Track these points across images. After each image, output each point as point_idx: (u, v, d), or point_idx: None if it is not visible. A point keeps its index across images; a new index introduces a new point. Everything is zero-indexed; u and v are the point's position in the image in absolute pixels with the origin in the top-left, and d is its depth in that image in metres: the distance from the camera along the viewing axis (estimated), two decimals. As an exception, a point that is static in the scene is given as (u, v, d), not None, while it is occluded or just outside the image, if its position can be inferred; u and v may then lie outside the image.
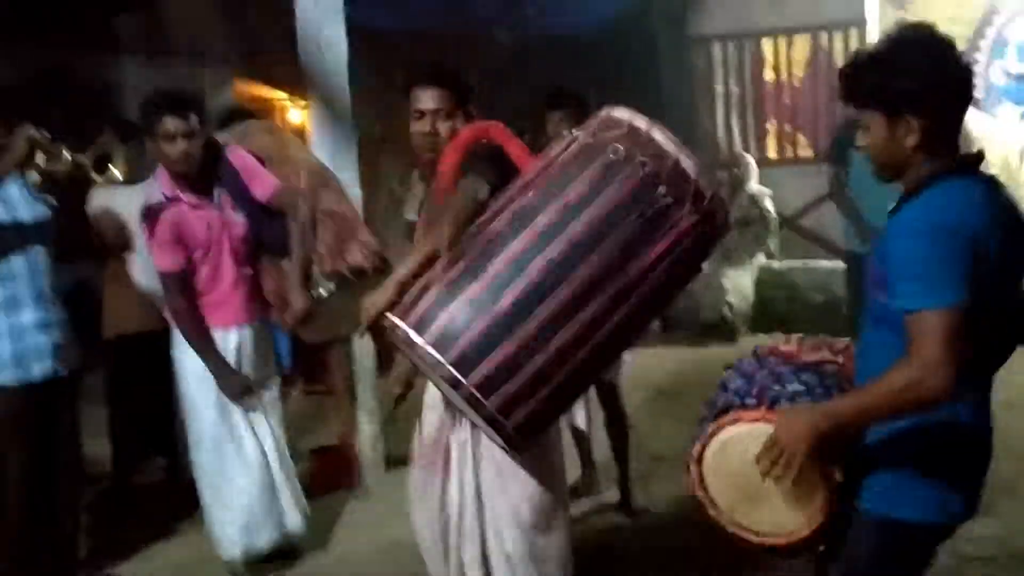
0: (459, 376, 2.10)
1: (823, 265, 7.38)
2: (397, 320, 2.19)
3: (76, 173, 3.32)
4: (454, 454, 2.62)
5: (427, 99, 2.62)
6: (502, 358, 2.11)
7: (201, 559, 3.74)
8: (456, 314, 2.12)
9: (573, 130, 2.44)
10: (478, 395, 2.11)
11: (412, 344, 2.14)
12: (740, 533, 2.08)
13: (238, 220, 3.45)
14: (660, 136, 2.29)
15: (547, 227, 2.16)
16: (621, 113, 2.35)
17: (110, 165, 3.49)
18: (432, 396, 2.68)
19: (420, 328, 2.14)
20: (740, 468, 1.99)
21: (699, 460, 2.08)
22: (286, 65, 10.72)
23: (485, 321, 2.11)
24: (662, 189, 2.22)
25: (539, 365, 2.14)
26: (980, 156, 1.96)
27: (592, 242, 2.16)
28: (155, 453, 4.62)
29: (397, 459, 4.55)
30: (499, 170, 2.42)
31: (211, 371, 3.40)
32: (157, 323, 4.21)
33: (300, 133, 10.65)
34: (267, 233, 3.50)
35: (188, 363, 3.47)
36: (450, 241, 2.20)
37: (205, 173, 3.40)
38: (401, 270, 2.29)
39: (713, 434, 2.07)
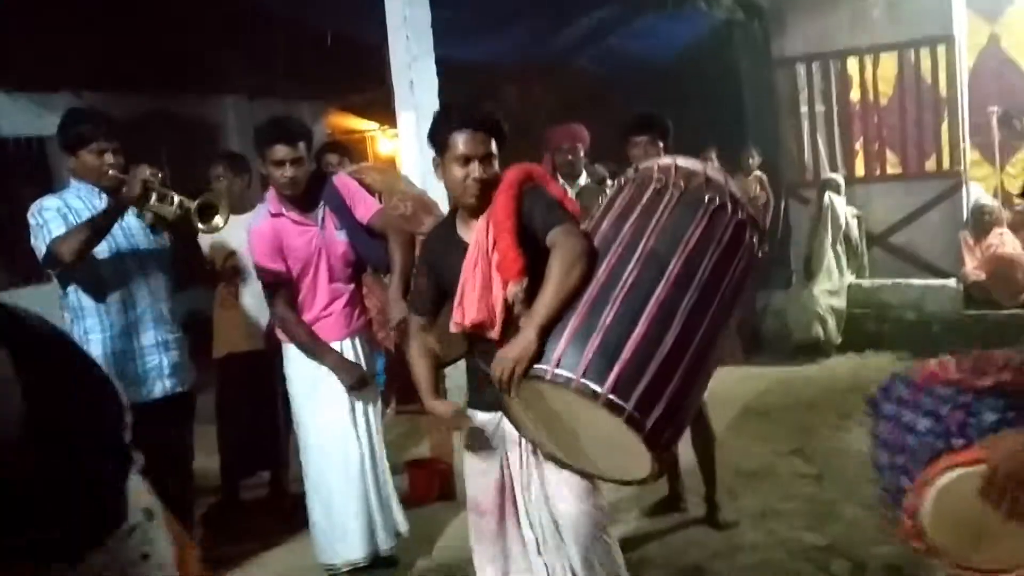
0: (621, 402, 2.27)
1: (914, 283, 7.28)
2: (550, 368, 2.31)
3: (183, 216, 3.50)
4: (520, 503, 2.76)
5: (475, 144, 2.61)
6: (648, 382, 2.30)
7: (304, 568, 3.91)
8: (597, 348, 2.31)
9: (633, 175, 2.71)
10: (638, 416, 2.27)
11: (563, 382, 2.30)
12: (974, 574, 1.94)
13: (339, 239, 3.66)
14: (715, 174, 2.67)
15: (664, 268, 2.45)
16: (686, 161, 2.70)
17: (217, 215, 3.71)
18: (475, 464, 2.82)
19: (567, 366, 2.31)
20: (968, 513, 1.83)
21: (913, 515, 1.90)
22: (376, 98, 11.12)
23: (629, 351, 2.30)
24: (732, 215, 2.58)
25: (677, 386, 2.33)
26: None
27: (692, 270, 2.46)
28: (260, 468, 4.83)
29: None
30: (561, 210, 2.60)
31: (329, 365, 3.56)
32: (262, 344, 4.50)
33: (390, 161, 11.03)
34: (370, 253, 3.70)
35: (294, 374, 3.68)
36: (578, 284, 2.38)
37: (311, 195, 3.62)
38: (537, 319, 2.36)
39: (926, 484, 1.88)
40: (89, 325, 3.43)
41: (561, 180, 4.61)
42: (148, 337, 3.50)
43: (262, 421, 4.66)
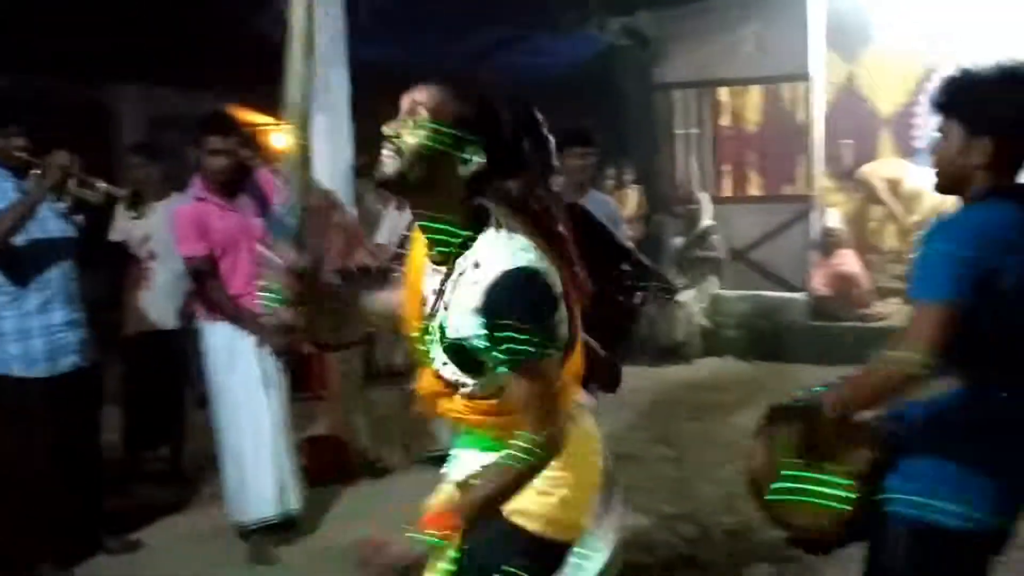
0: None
1: (769, 295, 8.05)
2: None
3: (109, 202, 3.78)
4: None
5: None
6: None
7: (216, 527, 4.20)
8: None
9: None
10: None
11: None
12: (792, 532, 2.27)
13: (257, 224, 3.95)
14: None
15: None
16: None
17: (140, 203, 4.03)
18: None
19: None
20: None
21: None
22: (274, 94, 11.22)
23: None
24: None
25: None
26: None
27: None
28: (163, 442, 5.07)
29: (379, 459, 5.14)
30: None
31: (252, 329, 3.82)
32: (172, 323, 4.79)
33: (284, 156, 11.19)
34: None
35: (214, 349, 3.98)
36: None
37: (234, 184, 3.96)
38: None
39: (768, 429, 2.28)
40: (2, 303, 3.64)
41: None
42: (58, 316, 3.74)
43: (167, 397, 4.93)
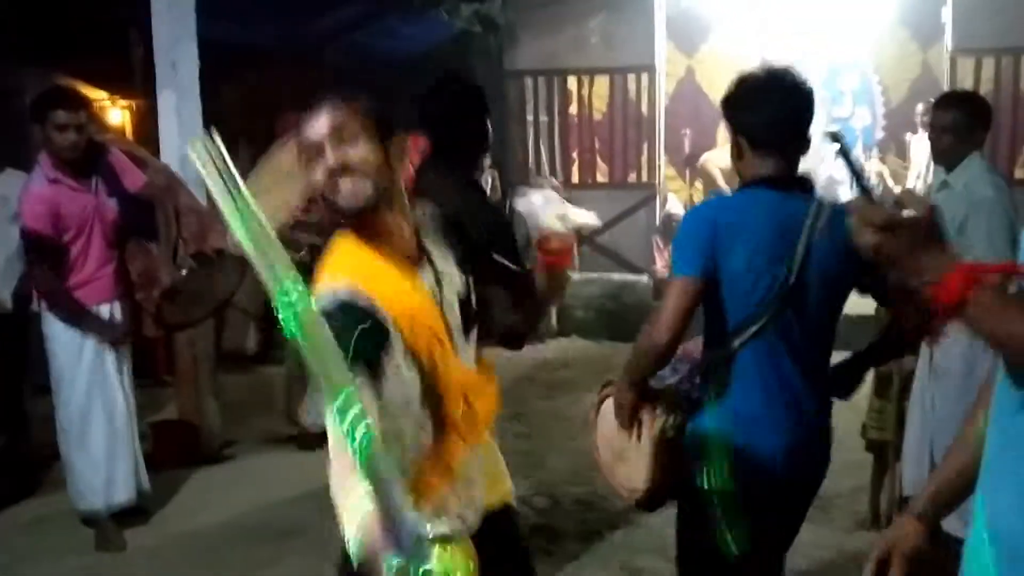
0: None
1: (614, 278, 8.38)
2: None
3: None
4: None
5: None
6: None
7: (61, 514, 4.07)
8: None
9: None
10: None
11: None
12: (615, 490, 2.46)
13: (110, 206, 3.86)
14: None
15: None
16: None
17: None
18: None
19: None
20: (610, 432, 2.39)
21: (594, 424, 2.46)
22: (109, 68, 10.75)
23: None
24: None
25: None
26: (793, 177, 2.27)
27: None
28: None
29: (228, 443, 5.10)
30: None
31: (89, 327, 3.75)
32: (6, 308, 4.55)
33: (120, 131, 10.73)
34: (137, 220, 3.93)
35: (58, 334, 3.82)
36: None
37: (85, 164, 3.80)
38: None
39: (600, 403, 2.45)
40: None
41: None
42: None
43: (2, 385, 4.69)
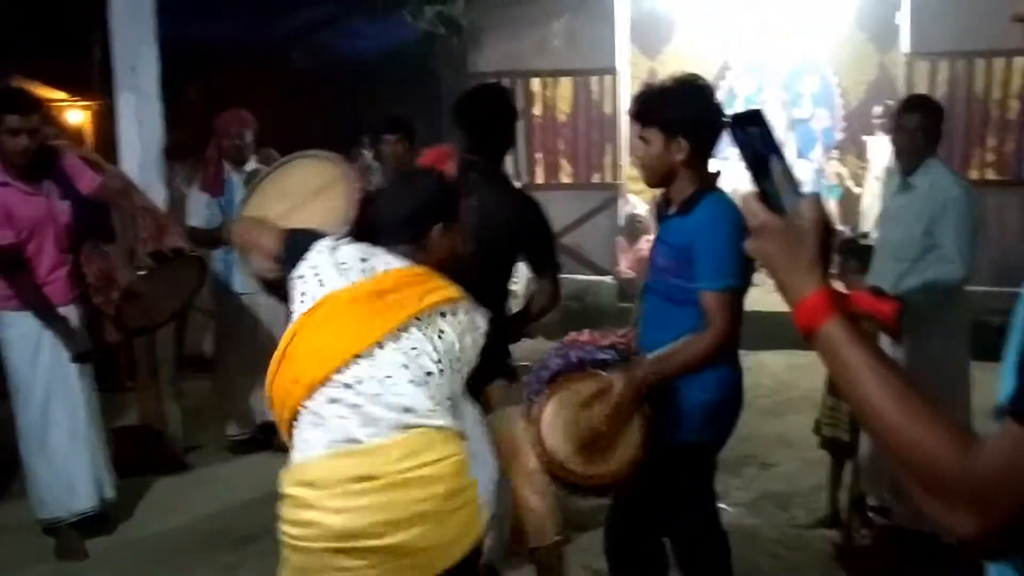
0: None
1: (579, 278, 8.41)
2: None
3: None
4: None
5: None
6: None
7: (21, 523, 4.00)
8: None
9: None
10: None
11: None
12: (570, 478, 2.50)
13: (63, 208, 3.81)
14: None
15: None
16: None
17: None
18: None
19: None
20: (575, 417, 2.47)
21: (539, 420, 2.49)
22: (68, 69, 10.61)
23: None
24: None
25: None
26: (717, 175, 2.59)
27: None
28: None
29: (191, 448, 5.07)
30: None
31: (59, 332, 3.71)
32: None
33: (78, 133, 10.60)
34: (92, 223, 3.88)
35: (14, 338, 3.77)
36: None
37: (38, 167, 3.76)
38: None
39: (550, 395, 2.51)
40: None
41: (228, 165, 4.90)
42: None
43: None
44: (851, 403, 1.06)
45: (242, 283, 4.82)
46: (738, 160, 1.13)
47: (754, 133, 1.11)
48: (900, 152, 3.73)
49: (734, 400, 2.72)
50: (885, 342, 3.48)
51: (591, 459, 2.48)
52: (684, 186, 2.57)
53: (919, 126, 3.59)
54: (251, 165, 5.06)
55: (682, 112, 2.50)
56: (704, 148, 2.54)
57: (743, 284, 2.53)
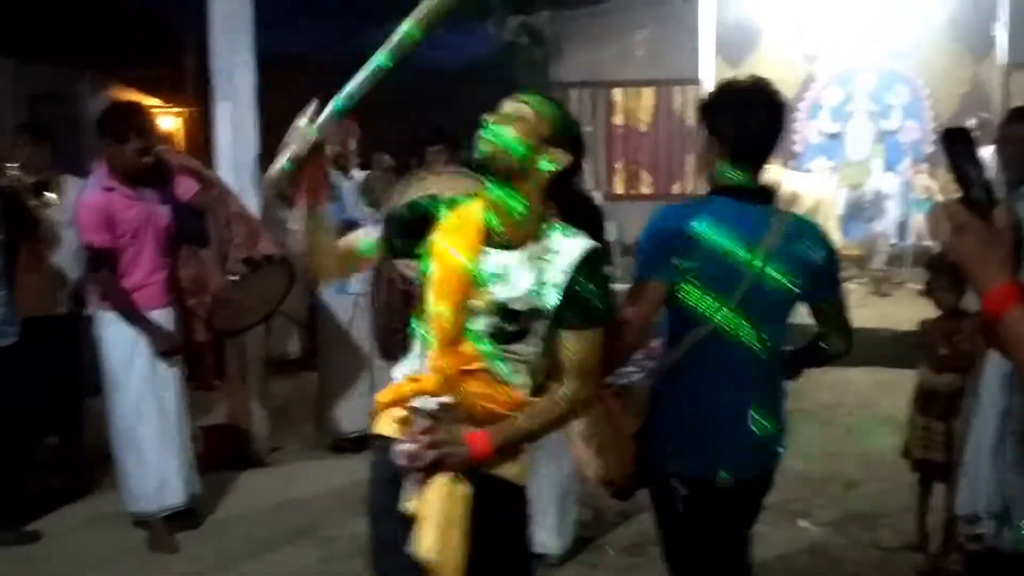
0: None
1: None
2: None
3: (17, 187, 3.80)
4: None
5: None
6: None
7: (115, 516, 4.15)
8: None
9: None
10: None
11: None
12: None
13: (163, 213, 3.96)
14: None
15: None
16: None
17: (45, 191, 4.01)
18: None
19: None
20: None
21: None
22: (164, 75, 10.96)
23: None
24: None
25: None
26: (761, 188, 2.37)
27: None
28: (51, 432, 4.93)
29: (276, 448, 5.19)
30: None
31: (144, 330, 3.84)
32: (62, 308, 4.67)
33: (171, 139, 10.96)
34: (189, 228, 4.03)
35: (111, 337, 3.92)
36: None
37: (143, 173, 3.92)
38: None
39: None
40: None
41: (335, 172, 4.97)
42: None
43: (57, 386, 4.80)
44: None
45: (339, 287, 4.96)
46: (946, 171, 1.34)
47: (962, 149, 1.31)
48: (1008, 164, 3.61)
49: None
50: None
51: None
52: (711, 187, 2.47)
53: None
54: (358, 173, 5.21)
55: (720, 118, 2.38)
56: (732, 151, 2.35)
57: (658, 278, 2.31)
